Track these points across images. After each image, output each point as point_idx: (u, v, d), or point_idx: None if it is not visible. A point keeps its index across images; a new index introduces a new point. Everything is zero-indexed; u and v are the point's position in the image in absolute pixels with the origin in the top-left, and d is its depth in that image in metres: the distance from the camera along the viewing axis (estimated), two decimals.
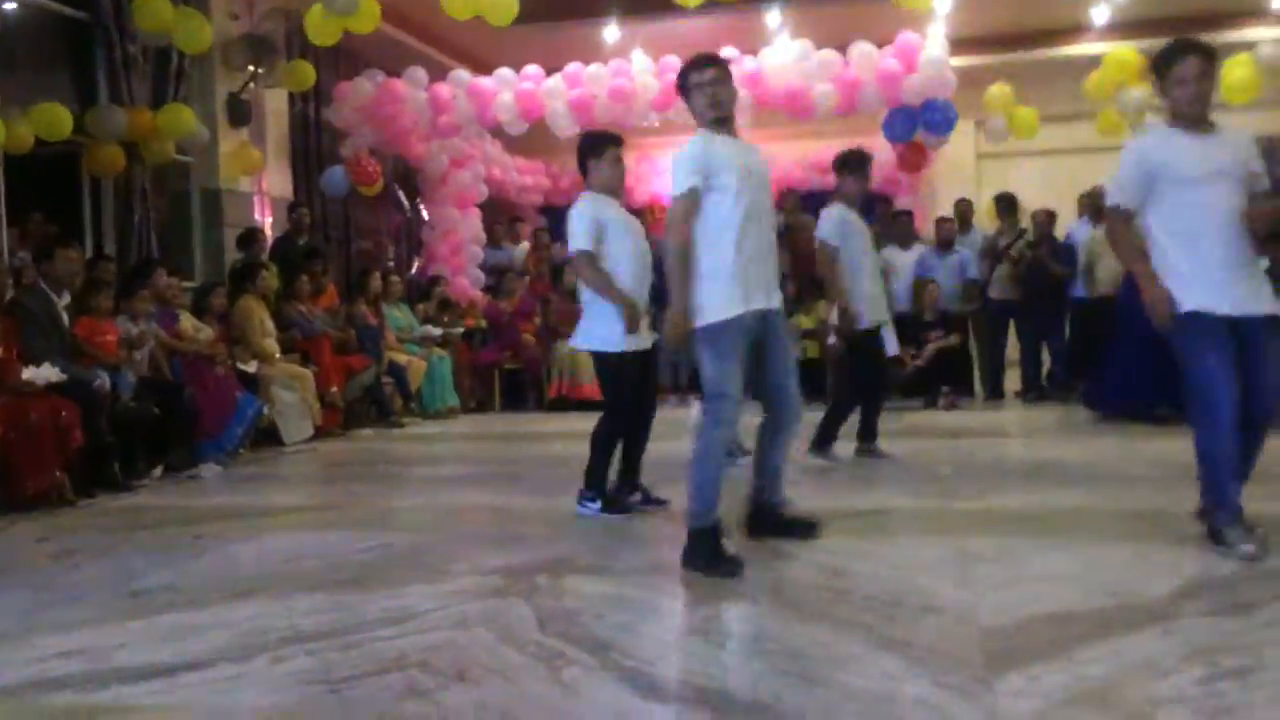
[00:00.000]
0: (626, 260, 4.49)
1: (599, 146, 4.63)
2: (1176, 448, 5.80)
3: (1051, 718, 2.27)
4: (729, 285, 3.61)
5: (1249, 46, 9.57)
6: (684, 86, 3.82)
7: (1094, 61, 10.02)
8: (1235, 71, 9.28)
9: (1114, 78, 9.62)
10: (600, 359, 4.59)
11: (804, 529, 3.98)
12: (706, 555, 3.56)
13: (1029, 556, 3.63)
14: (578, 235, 4.50)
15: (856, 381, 5.95)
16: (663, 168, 9.28)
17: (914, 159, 10.03)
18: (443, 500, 5.28)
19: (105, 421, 5.62)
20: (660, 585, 3.45)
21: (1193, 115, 3.64)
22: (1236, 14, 10.51)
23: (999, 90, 10.05)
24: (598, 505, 4.58)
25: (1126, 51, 9.64)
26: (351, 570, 3.73)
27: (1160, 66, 3.69)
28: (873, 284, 5.78)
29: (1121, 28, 10.25)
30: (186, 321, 6.97)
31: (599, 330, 4.52)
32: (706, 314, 3.63)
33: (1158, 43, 10.38)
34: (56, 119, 6.99)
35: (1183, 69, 3.60)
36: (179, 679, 2.66)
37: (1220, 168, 3.58)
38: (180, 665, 2.75)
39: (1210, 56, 3.62)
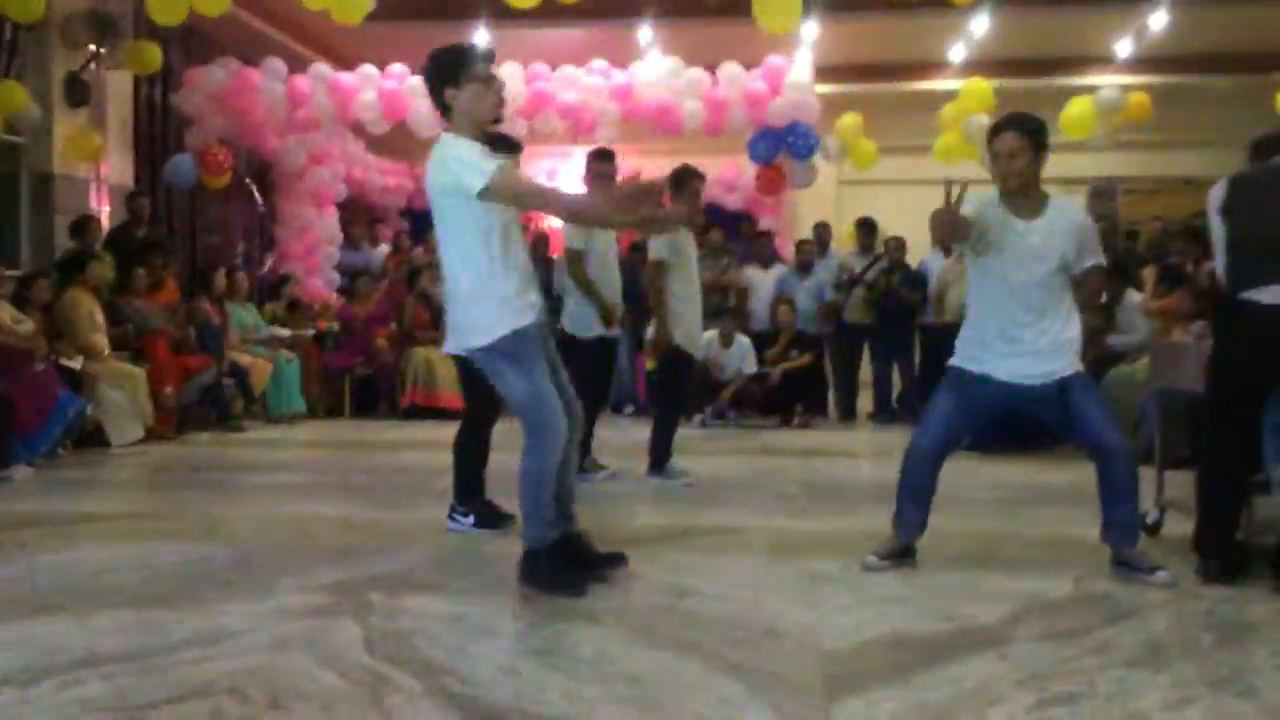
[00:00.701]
0: None
1: (498, 152, 4.46)
2: (1016, 472, 6.03)
3: None
4: (516, 294, 3.46)
5: (1093, 91, 10.10)
6: (461, 76, 3.43)
7: (951, 96, 10.37)
8: (1075, 108, 9.80)
9: (968, 108, 9.98)
10: (464, 363, 4.42)
11: (611, 562, 3.65)
12: (545, 575, 3.43)
13: (871, 579, 3.63)
14: None
15: (669, 398, 5.89)
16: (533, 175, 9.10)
17: (772, 181, 10.17)
18: (277, 510, 4.98)
19: None
20: (503, 604, 3.30)
21: (1007, 191, 3.64)
22: (1083, 60, 11.09)
23: (850, 119, 10.29)
24: (471, 520, 4.38)
25: (982, 84, 10.01)
26: (165, 585, 3.46)
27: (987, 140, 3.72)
28: (687, 305, 5.69)
29: (977, 66, 10.65)
30: (5, 312, 6.45)
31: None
32: (498, 327, 3.42)
33: (1010, 82, 10.89)
34: None
35: (996, 144, 3.62)
36: None
37: (1028, 252, 3.58)
38: None
39: (1029, 133, 3.57)
